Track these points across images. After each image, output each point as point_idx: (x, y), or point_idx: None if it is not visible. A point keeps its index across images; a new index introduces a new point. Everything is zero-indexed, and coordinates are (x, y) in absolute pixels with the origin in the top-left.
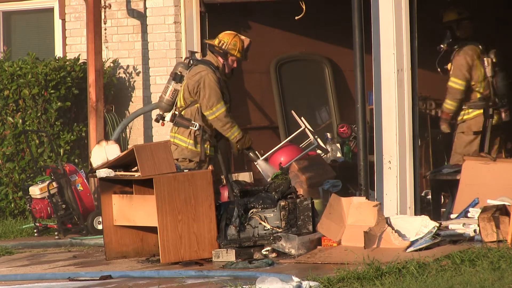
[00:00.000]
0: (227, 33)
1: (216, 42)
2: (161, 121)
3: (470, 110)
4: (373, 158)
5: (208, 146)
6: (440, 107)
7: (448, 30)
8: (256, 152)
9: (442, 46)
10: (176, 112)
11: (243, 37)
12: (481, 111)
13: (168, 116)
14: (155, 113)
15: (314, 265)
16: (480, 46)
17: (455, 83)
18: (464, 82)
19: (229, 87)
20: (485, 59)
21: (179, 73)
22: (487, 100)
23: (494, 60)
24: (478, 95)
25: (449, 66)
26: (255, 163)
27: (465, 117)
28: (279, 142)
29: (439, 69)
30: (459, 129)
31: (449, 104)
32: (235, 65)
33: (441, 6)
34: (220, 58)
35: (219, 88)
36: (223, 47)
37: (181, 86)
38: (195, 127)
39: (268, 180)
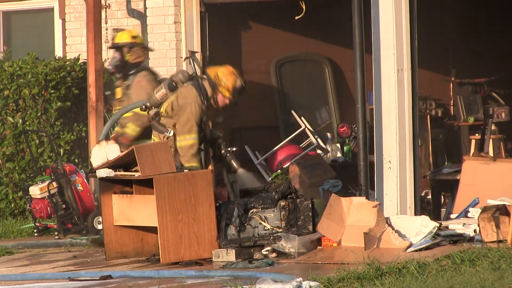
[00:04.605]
0: (227, 71)
1: (213, 74)
2: (147, 110)
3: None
4: (373, 158)
5: None
6: (440, 107)
7: (118, 51)
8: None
9: (110, 67)
10: (159, 114)
11: (238, 79)
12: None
13: (153, 111)
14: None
15: (314, 265)
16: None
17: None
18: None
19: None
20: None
21: (174, 84)
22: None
23: None
24: None
25: (119, 90)
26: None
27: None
28: (279, 142)
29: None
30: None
31: (131, 130)
32: (226, 101)
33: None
34: (210, 90)
35: (197, 120)
36: (216, 81)
37: (170, 97)
38: (170, 133)
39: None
